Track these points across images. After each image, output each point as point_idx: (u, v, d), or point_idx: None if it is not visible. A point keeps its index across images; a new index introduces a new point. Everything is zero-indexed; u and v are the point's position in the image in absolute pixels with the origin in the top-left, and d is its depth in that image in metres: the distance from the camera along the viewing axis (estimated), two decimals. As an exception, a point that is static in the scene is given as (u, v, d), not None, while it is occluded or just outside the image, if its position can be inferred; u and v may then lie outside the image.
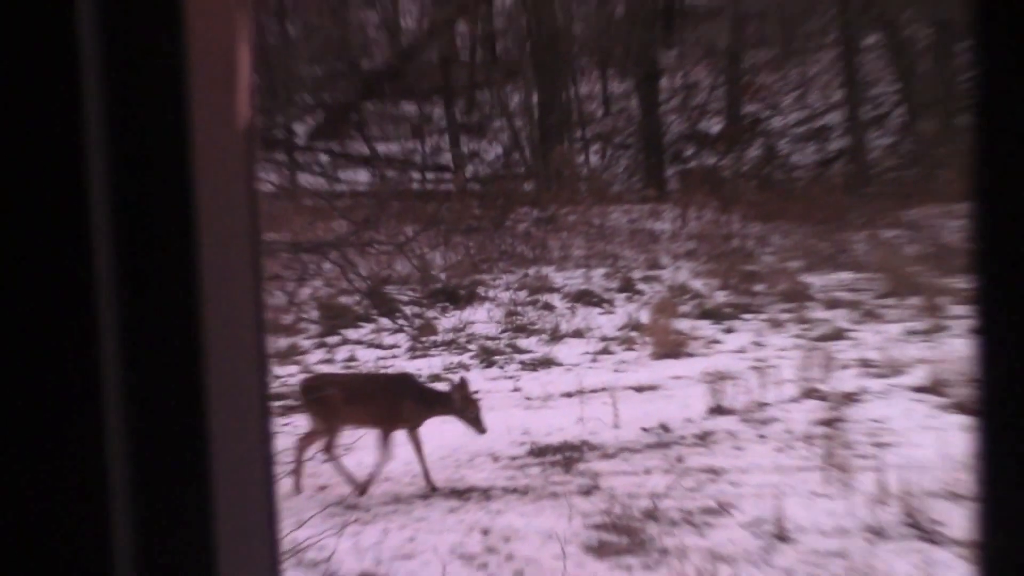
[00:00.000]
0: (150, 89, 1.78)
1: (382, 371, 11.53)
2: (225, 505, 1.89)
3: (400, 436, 9.61)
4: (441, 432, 10.07)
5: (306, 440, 9.56)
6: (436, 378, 11.41)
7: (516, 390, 11.28)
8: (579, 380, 11.84)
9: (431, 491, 9.36)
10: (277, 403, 10.94)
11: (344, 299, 13.44)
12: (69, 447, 1.81)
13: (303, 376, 11.05)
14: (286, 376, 11.32)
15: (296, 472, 9.47)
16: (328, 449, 9.53)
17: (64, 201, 1.76)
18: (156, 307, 1.81)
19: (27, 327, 1.81)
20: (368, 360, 12.00)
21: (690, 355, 11.50)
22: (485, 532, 8.57)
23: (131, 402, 1.82)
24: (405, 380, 10.27)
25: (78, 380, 1.78)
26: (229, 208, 1.89)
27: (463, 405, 9.58)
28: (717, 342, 11.83)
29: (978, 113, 1.48)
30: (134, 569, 1.85)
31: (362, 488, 9.36)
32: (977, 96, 1.47)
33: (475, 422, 9.63)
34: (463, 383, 9.87)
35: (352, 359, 12.13)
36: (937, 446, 9.23)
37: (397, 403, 9.66)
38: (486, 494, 9.22)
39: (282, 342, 12.07)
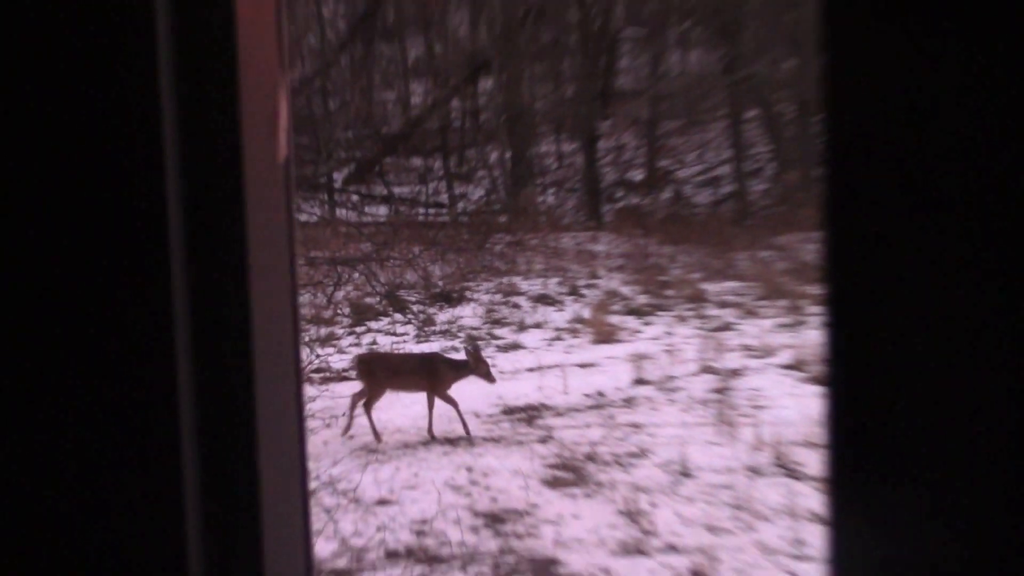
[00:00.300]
0: (213, 139, 1.74)
1: (415, 351, 11.46)
2: (268, 462, 1.82)
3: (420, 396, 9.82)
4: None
5: (357, 398, 9.74)
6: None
7: (492, 366, 11.34)
8: (538, 359, 11.76)
9: (431, 439, 9.40)
10: (319, 375, 10.97)
11: (368, 299, 13.41)
12: (145, 410, 1.72)
13: (359, 352, 11.13)
14: (326, 355, 11.48)
15: (348, 422, 9.63)
16: (368, 406, 9.61)
17: (148, 226, 1.69)
18: (216, 307, 1.76)
19: (115, 330, 1.72)
20: (385, 344, 12.03)
21: (619, 341, 11.47)
22: (469, 470, 8.57)
23: (199, 384, 1.76)
24: (435, 356, 10.36)
25: (158, 370, 1.71)
26: (272, 228, 1.84)
27: (477, 365, 9.74)
28: (639, 332, 11.82)
29: (826, 167, 1.47)
30: (200, 517, 1.75)
31: (379, 437, 9.45)
32: (825, 155, 1.46)
33: (487, 376, 9.80)
34: (476, 349, 10.14)
35: (374, 343, 12.14)
36: (798, 408, 9.30)
37: (432, 372, 9.79)
38: (470, 442, 9.31)
39: (323, 330, 12.05)
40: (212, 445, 1.76)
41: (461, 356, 10.21)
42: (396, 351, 11.58)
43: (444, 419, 9.64)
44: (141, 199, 1.65)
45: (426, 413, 9.68)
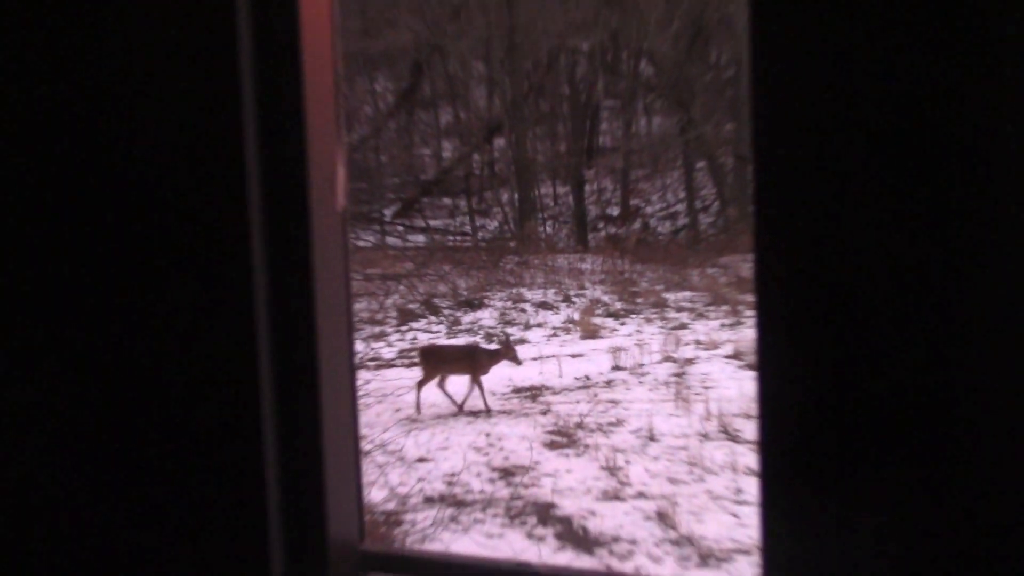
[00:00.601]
0: (288, 189, 1.73)
1: (460, 342, 11.37)
2: (329, 428, 1.81)
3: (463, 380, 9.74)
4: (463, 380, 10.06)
5: (421, 383, 9.64)
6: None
7: (519, 343, 11.30)
8: (540, 351, 11.57)
9: (459, 412, 9.33)
10: (373, 363, 10.93)
11: (410, 305, 13.33)
12: (230, 394, 1.73)
13: (420, 345, 10.96)
14: (378, 348, 11.47)
15: (417, 400, 9.53)
16: (423, 384, 9.59)
17: (237, 256, 1.68)
18: (289, 312, 1.73)
19: (215, 329, 1.71)
20: (423, 339, 11.97)
21: (601, 337, 11.41)
22: (487, 435, 8.53)
23: (276, 371, 1.74)
24: (476, 346, 10.31)
25: (245, 359, 1.70)
26: (331, 254, 1.81)
27: (508, 352, 9.67)
28: (616, 330, 11.74)
29: (755, 204, 1.44)
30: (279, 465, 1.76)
31: (460, 407, 9.47)
32: (755, 197, 1.43)
33: (515, 359, 9.78)
34: (507, 339, 10.17)
35: (415, 339, 12.05)
36: (737, 388, 9.25)
37: (473, 359, 9.71)
38: (488, 414, 9.26)
39: (376, 329, 12.06)
40: (286, 417, 1.76)
41: (494, 346, 10.14)
42: (447, 343, 11.52)
43: (462, 397, 9.58)
44: (233, 239, 1.67)
45: (462, 392, 9.62)
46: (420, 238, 19.13)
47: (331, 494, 1.81)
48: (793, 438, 1.48)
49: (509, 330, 12.02)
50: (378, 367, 10.82)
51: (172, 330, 1.74)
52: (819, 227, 1.44)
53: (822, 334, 1.45)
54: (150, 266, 1.73)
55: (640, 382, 9.79)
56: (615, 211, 19.94)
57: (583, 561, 6.31)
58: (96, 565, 1.86)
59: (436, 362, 9.84)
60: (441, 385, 9.64)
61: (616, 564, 6.24)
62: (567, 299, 13.32)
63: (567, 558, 6.29)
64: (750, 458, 7.62)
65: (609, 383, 9.84)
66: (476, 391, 9.64)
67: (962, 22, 1.39)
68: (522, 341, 11.78)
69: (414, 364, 10.99)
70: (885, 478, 1.46)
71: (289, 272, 1.73)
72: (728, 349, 10.75)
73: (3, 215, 1.86)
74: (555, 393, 9.63)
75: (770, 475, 1.50)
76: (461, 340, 11.55)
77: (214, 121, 1.67)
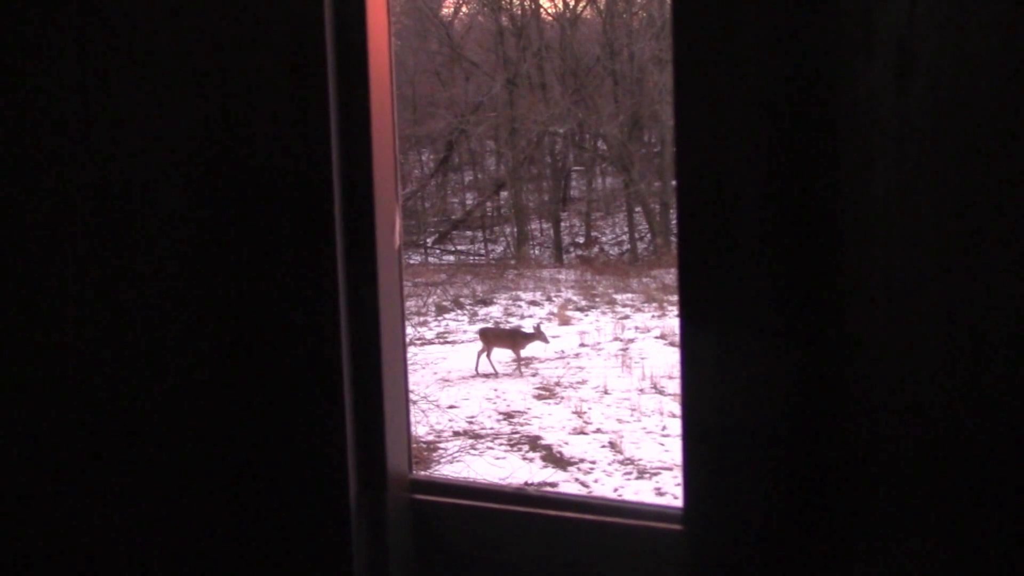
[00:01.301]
0: (361, 225, 1.70)
1: (507, 326, 10.99)
2: (388, 384, 1.76)
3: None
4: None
5: (479, 353, 9.25)
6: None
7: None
8: None
9: (496, 375, 9.04)
10: (419, 341, 10.80)
11: (444, 303, 13.29)
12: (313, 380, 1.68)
13: (479, 327, 10.65)
14: (422, 332, 11.48)
15: (476, 366, 9.17)
16: (481, 354, 9.21)
17: (317, 257, 1.65)
18: (361, 306, 1.69)
19: (309, 322, 1.66)
20: (454, 327, 11.84)
21: (572, 324, 11.35)
22: (495, 390, 8.47)
23: (353, 348, 1.69)
24: (518, 330, 9.97)
25: (330, 339, 1.66)
26: (390, 274, 1.79)
27: (539, 335, 9.32)
28: (581, 319, 11.67)
29: (679, 236, 1.40)
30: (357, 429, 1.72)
31: (494, 371, 9.09)
32: (679, 232, 1.39)
33: (544, 339, 9.38)
34: (539, 326, 9.79)
35: (447, 327, 11.98)
36: (663, 358, 9.15)
37: (515, 339, 9.39)
38: (496, 376, 9.14)
39: (419, 319, 11.98)
40: (359, 380, 1.71)
41: (529, 329, 9.70)
42: (498, 326, 11.11)
43: (485, 362, 9.45)
44: (326, 265, 1.65)
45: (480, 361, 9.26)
46: (451, 258, 19.08)
47: (389, 435, 1.75)
48: (711, 402, 1.40)
49: (511, 319, 11.94)
50: (423, 344, 10.73)
51: (285, 324, 1.70)
52: (721, 249, 1.36)
53: (730, 325, 1.37)
54: (275, 279, 1.69)
55: (598, 354, 9.68)
56: (581, 239, 19.89)
57: (559, 475, 6.26)
58: (209, 490, 1.78)
59: (491, 337, 9.56)
60: (488, 356, 9.24)
61: (582, 477, 6.19)
62: (549, 298, 13.25)
63: (548, 474, 6.24)
64: (673, 406, 7.56)
65: (577, 355, 9.72)
66: (516, 361, 9.28)
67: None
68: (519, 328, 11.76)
69: (448, 342, 10.89)
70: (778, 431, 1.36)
71: (363, 286, 1.70)
72: (657, 332, 10.55)
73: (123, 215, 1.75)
74: (541, 362, 9.51)
75: (693, 435, 1.42)
76: (508, 325, 11.17)
77: (311, 187, 1.65)
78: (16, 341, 1.82)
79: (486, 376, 9.02)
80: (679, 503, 1.46)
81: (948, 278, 1.23)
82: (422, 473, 1.85)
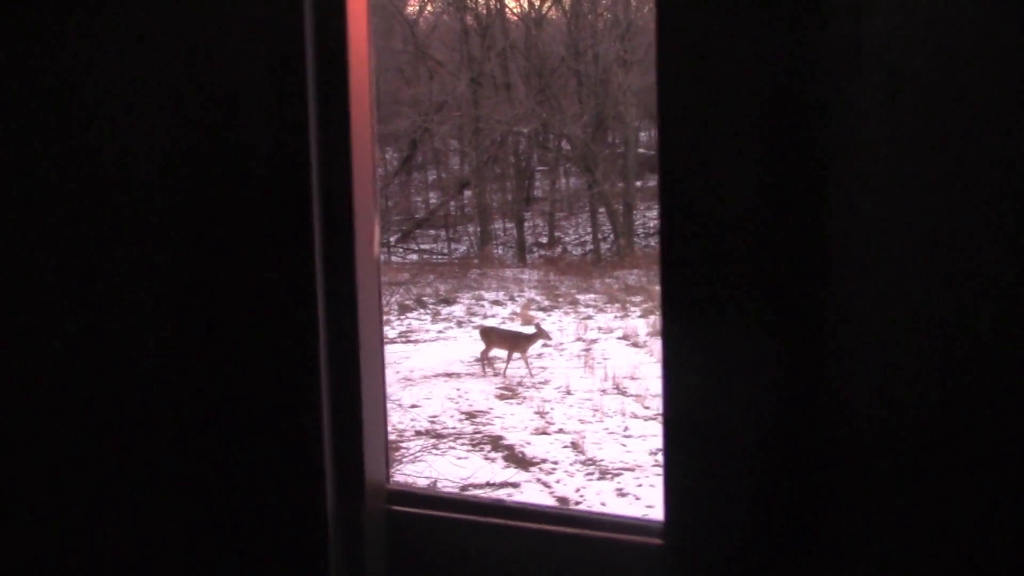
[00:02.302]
0: (340, 238, 1.68)
1: (510, 328, 10.57)
2: (369, 399, 1.74)
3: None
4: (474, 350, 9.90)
5: (482, 353, 9.08)
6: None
7: (479, 328, 11.15)
8: None
9: (504, 379, 8.82)
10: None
11: (407, 302, 13.22)
12: (290, 382, 1.67)
13: (480, 326, 10.36)
14: (385, 331, 11.25)
15: (492, 366, 8.99)
16: (484, 354, 9.05)
17: (297, 266, 1.64)
18: (340, 308, 1.68)
19: (292, 317, 1.65)
20: (417, 326, 11.80)
21: (534, 323, 11.37)
22: (458, 390, 8.44)
23: (331, 343, 1.68)
24: (520, 333, 9.55)
25: (306, 334, 1.64)
26: (369, 283, 1.77)
27: (542, 334, 9.12)
28: (544, 319, 11.69)
29: (661, 239, 1.37)
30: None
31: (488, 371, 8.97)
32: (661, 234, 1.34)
33: (548, 338, 9.25)
34: (539, 324, 9.65)
35: (409, 326, 11.91)
36: (626, 359, 9.18)
37: (516, 340, 9.08)
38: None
39: (384, 318, 11.90)
40: (339, 389, 1.69)
41: (532, 330, 9.36)
42: (500, 327, 10.64)
43: (448, 362, 9.40)
44: (304, 276, 1.64)
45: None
46: (414, 257, 18.99)
47: (367, 446, 1.73)
48: (692, 407, 1.39)
49: (473, 319, 11.91)
50: (385, 343, 10.65)
51: (264, 334, 1.68)
52: (706, 250, 1.34)
53: (712, 329, 1.35)
54: (254, 286, 1.67)
55: (560, 354, 9.69)
56: (545, 240, 19.91)
57: (521, 476, 6.24)
58: (181, 500, 1.75)
59: (493, 337, 9.24)
60: (486, 355, 9.01)
61: (544, 478, 6.18)
62: (512, 298, 13.24)
63: (511, 474, 6.22)
64: (635, 407, 7.59)
65: (540, 355, 9.72)
66: (522, 361, 8.98)
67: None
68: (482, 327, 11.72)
69: (411, 341, 10.83)
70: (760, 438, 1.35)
71: (342, 295, 1.68)
72: (619, 333, 10.62)
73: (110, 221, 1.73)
74: (503, 361, 9.50)
75: (673, 444, 1.41)
76: (511, 327, 10.75)
77: (290, 196, 1.63)
78: None
79: (448, 375, 8.97)
80: (659, 515, 1.45)
81: (934, 279, 1.23)
82: (398, 482, 1.81)
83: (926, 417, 1.25)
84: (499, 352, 9.14)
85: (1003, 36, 1.14)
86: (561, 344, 9.53)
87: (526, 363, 8.96)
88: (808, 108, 1.26)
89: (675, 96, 1.34)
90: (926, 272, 1.23)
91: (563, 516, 1.68)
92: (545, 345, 9.46)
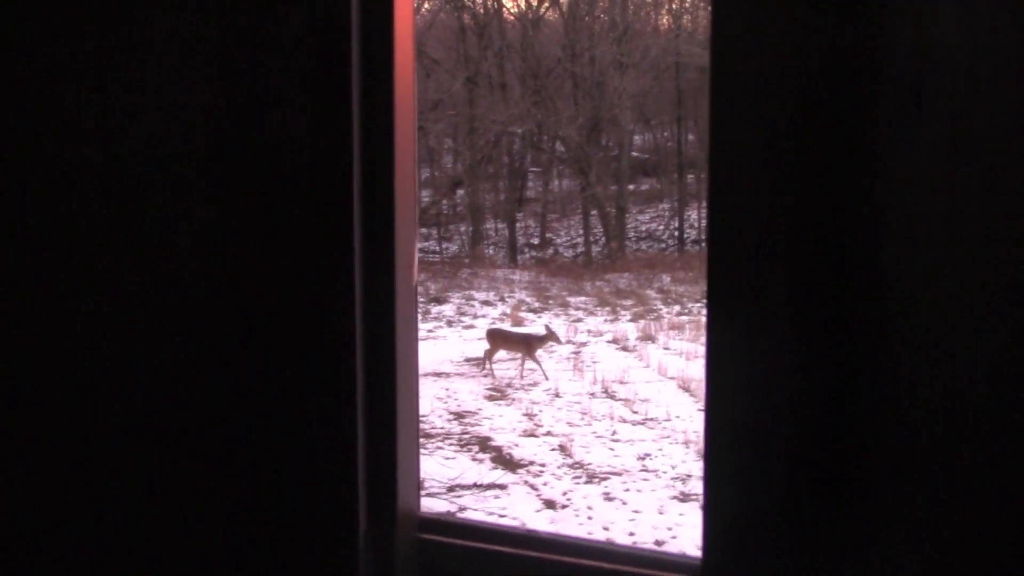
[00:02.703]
0: (383, 235, 1.67)
1: (519, 330, 10.33)
2: (404, 427, 1.72)
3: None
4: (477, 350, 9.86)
5: (486, 354, 8.90)
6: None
7: (469, 327, 11.12)
8: (482, 333, 11.28)
9: (521, 379, 8.66)
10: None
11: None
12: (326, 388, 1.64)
13: (488, 327, 10.09)
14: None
15: (484, 367, 8.89)
16: (489, 357, 8.88)
17: (336, 290, 1.62)
18: (377, 334, 1.67)
19: (330, 318, 1.63)
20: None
21: (524, 325, 11.33)
22: (447, 390, 8.40)
23: (366, 332, 1.66)
24: (530, 335, 9.37)
25: (344, 325, 1.62)
26: (408, 311, 1.77)
27: (551, 336, 8.91)
28: (534, 321, 11.66)
29: (708, 240, 1.33)
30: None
31: (492, 374, 8.78)
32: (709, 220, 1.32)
33: (557, 340, 9.05)
34: (548, 327, 9.41)
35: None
36: (615, 362, 9.18)
37: (528, 342, 8.87)
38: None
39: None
40: (375, 414, 1.67)
41: (542, 332, 9.16)
42: (509, 329, 10.39)
43: (437, 361, 9.36)
44: (343, 291, 1.61)
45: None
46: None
47: (400, 472, 1.70)
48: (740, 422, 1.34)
49: (463, 319, 11.88)
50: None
51: (300, 359, 1.65)
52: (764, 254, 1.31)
53: (758, 340, 1.31)
54: (292, 315, 1.65)
55: (550, 357, 9.66)
56: (536, 241, 19.89)
57: (508, 477, 6.21)
58: (213, 525, 1.73)
59: (500, 340, 9.02)
60: (491, 357, 8.78)
61: (531, 480, 6.15)
62: (503, 299, 13.22)
63: (498, 475, 6.19)
64: (623, 411, 7.57)
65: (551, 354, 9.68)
66: (534, 364, 8.77)
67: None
68: (470, 327, 11.65)
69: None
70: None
71: (380, 321, 1.66)
72: (609, 336, 10.59)
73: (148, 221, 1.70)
74: (493, 362, 9.47)
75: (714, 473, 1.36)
76: (521, 329, 10.49)
77: (331, 220, 1.60)
78: (17, 335, 1.77)
79: (436, 375, 8.93)
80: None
81: (987, 279, 1.22)
82: (430, 511, 1.80)
83: (984, 430, 1.22)
84: (501, 354, 8.98)
85: None
86: (551, 347, 9.50)
87: (538, 364, 8.80)
88: (867, 135, 1.26)
89: (727, 117, 1.33)
90: (977, 274, 1.21)
91: (597, 550, 1.64)
92: (551, 348, 9.31)
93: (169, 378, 1.71)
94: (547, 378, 8.58)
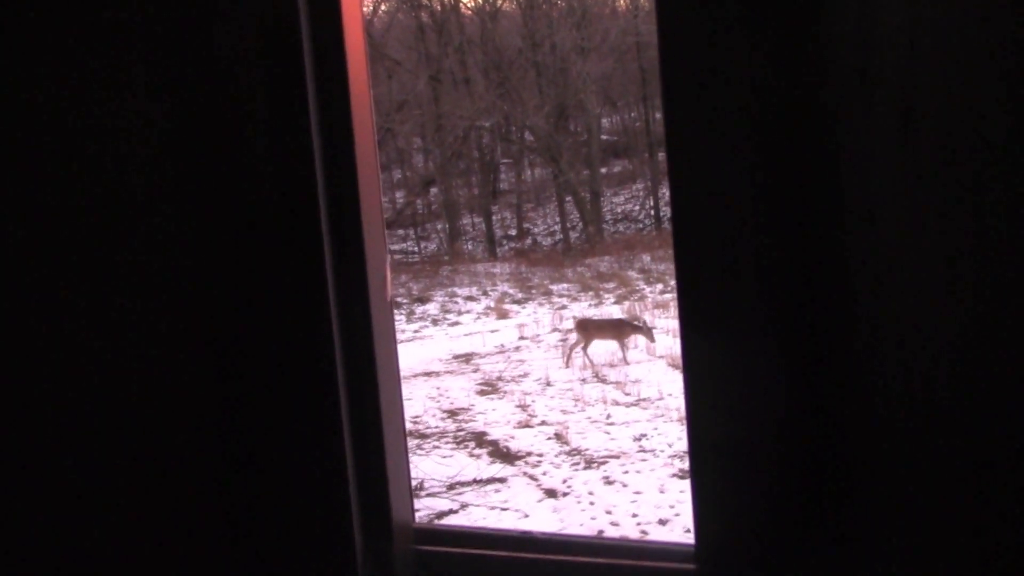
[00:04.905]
0: (353, 252, 1.66)
1: (604, 316, 10.10)
2: (391, 438, 1.71)
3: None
4: (491, 341, 9.81)
5: (573, 345, 8.67)
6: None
7: (455, 324, 11.10)
8: (468, 329, 11.07)
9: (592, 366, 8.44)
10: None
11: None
12: (309, 393, 1.64)
13: (575, 317, 9.83)
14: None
15: (567, 359, 8.61)
16: (577, 347, 8.61)
17: (311, 305, 1.61)
18: (356, 348, 1.66)
19: (308, 323, 1.62)
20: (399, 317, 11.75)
21: (509, 318, 11.31)
22: (438, 388, 8.38)
23: (344, 339, 1.65)
24: (622, 320, 9.16)
25: (321, 333, 1.61)
26: (385, 329, 1.76)
27: (646, 331, 8.57)
28: (519, 312, 11.64)
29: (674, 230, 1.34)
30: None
31: (566, 359, 8.71)
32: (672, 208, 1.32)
33: (650, 335, 8.61)
34: (645, 323, 9.09)
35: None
36: (604, 347, 9.18)
37: (619, 329, 8.64)
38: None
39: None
40: (360, 429, 1.67)
41: (637, 323, 8.96)
42: (598, 316, 10.10)
43: (426, 361, 9.34)
44: (321, 321, 1.61)
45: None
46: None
47: (392, 485, 1.70)
48: (716, 424, 1.37)
49: (447, 316, 11.84)
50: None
51: (282, 376, 1.64)
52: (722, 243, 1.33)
53: (730, 344, 1.33)
54: (272, 335, 1.64)
55: (537, 346, 9.65)
56: (513, 232, 19.86)
57: (507, 470, 6.19)
58: (207, 544, 1.72)
59: (592, 328, 8.70)
60: (586, 349, 8.50)
61: (530, 471, 6.13)
62: (485, 293, 13.20)
63: (497, 469, 6.17)
64: (616, 394, 7.57)
65: (517, 348, 9.68)
66: (621, 351, 8.53)
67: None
68: (455, 324, 11.63)
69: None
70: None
71: (358, 338, 1.65)
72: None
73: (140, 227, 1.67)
74: (481, 357, 9.44)
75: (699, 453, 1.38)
76: (608, 315, 10.17)
77: (301, 238, 1.60)
78: (3, 342, 1.75)
79: (426, 374, 8.90)
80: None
81: (951, 288, 1.24)
82: (424, 522, 1.81)
83: (955, 429, 1.24)
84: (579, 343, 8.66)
85: (1017, 63, 1.15)
86: (538, 336, 9.48)
87: (623, 351, 8.54)
88: (819, 122, 1.26)
89: (681, 120, 1.34)
90: (945, 281, 1.23)
91: (593, 545, 1.65)
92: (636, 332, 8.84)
93: (161, 393, 1.70)
94: (627, 363, 8.36)
